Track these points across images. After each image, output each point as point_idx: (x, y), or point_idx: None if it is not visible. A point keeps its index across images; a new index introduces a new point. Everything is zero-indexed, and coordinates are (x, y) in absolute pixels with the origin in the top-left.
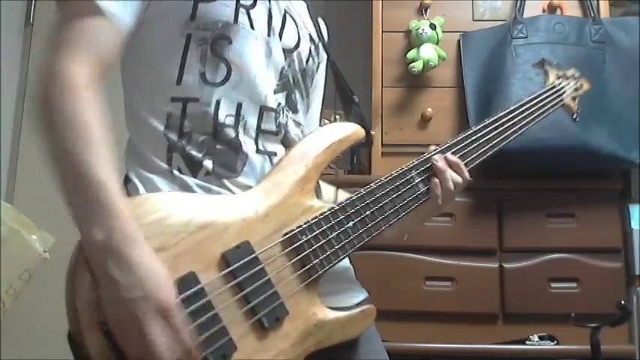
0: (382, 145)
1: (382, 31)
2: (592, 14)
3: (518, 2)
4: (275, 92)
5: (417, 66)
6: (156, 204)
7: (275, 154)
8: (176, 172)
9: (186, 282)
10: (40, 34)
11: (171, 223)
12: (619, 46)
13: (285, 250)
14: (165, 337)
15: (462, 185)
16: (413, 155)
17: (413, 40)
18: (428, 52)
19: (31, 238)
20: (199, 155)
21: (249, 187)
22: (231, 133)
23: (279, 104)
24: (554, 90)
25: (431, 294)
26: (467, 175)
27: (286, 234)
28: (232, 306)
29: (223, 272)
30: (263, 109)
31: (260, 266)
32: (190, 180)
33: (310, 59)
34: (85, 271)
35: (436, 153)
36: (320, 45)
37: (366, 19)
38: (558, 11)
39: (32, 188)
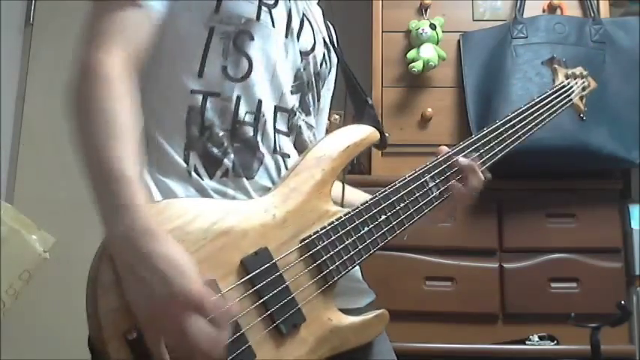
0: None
1: (382, 31)
2: (592, 14)
3: (518, 2)
4: (291, 93)
5: (417, 66)
6: (176, 211)
7: (289, 155)
8: (193, 174)
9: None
10: (40, 34)
11: (191, 231)
12: (619, 46)
13: (302, 257)
14: (201, 331)
15: (480, 186)
16: (413, 155)
17: (413, 40)
18: (428, 52)
19: (31, 238)
20: (218, 153)
21: (265, 188)
22: (249, 131)
23: (294, 106)
24: (564, 89)
25: (431, 294)
26: (482, 176)
27: (303, 240)
28: (251, 313)
29: (242, 280)
30: (278, 109)
31: (278, 273)
32: (206, 183)
33: (324, 63)
34: (107, 276)
35: (449, 154)
36: (332, 50)
37: (366, 19)
38: (558, 11)
39: (32, 188)
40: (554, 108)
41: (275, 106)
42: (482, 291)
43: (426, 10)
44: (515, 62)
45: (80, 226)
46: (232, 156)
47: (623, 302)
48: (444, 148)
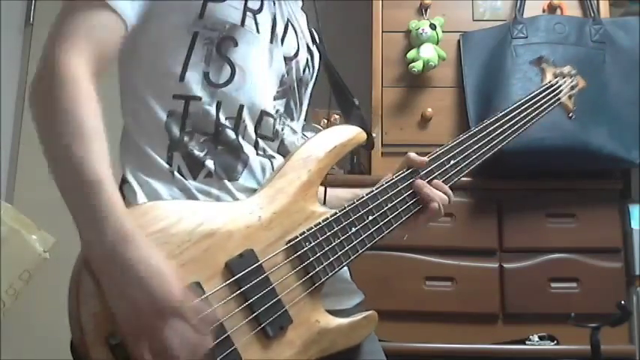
0: (382, 145)
1: (382, 31)
2: (592, 14)
3: (518, 2)
4: (275, 99)
5: (417, 66)
6: (160, 213)
7: (273, 156)
8: (176, 175)
9: (191, 292)
10: (40, 34)
11: (175, 233)
12: (619, 46)
13: (289, 258)
14: (182, 336)
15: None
16: None
17: (413, 40)
18: (428, 52)
19: (31, 238)
20: (201, 155)
21: (250, 190)
22: (231, 134)
23: (278, 111)
24: (551, 89)
25: (431, 294)
26: (450, 192)
27: (289, 241)
28: (237, 315)
29: (227, 282)
30: (262, 114)
31: (264, 275)
32: (190, 183)
33: (307, 69)
34: (89, 281)
35: (438, 154)
36: (314, 55)
37: (366, 19)
38: (558, 11)
39: (32, 188)
40: (542, 108)
41: (260, 111)
42: (482, 291)
43: (426, 10)
44: (515, 62)
45: None
46: (214, 159)
47: (623, 302)
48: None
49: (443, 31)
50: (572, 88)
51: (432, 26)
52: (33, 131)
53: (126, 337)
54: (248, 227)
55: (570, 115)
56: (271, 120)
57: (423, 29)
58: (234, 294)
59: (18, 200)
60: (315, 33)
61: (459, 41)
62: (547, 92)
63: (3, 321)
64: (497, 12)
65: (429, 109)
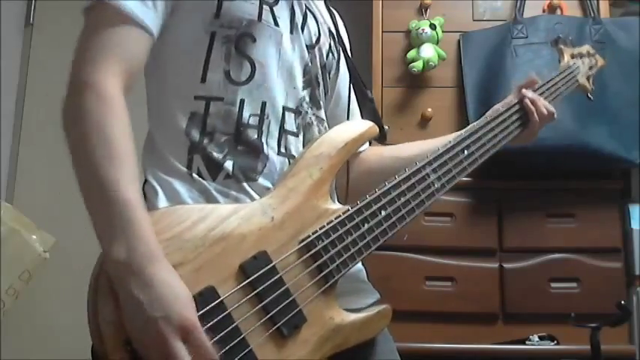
0: (382, 145)
1: (382, 31)
2: (592, 14)
3: (518, 2)
4: (302, 89)
5: (417, 66)
6: (173, 219)
7: (294, 157)
8: (195, 176)
9: (206, 296)
10: (40, 34)
11: (189, 238)
12: (619, 46)
13: (302, 258)
14: (189, 356)
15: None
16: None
17: (413, 40)
18: (428, 52)
19: (31, 238)
20: (220, 156)
21: (268, 189)
22: (253, 134)
23: (304, 101)
24: (569, 71)
25: (431, 294)
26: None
27: (302, 240)
28: (252, 317)
29: (242, 284)
30: (285, 109)
31: (278, 275)
32: (210, 184)
33: (330, 54)
34: (107, 289)
35: (452, 145)
36: (339, 40)
37: (366, 19)
38: (558, 11)
39: (32, 188)
40: (559, 92)
41: (282, 107)
42: (482, 291)
43: (426, 10)
44: (515, 62)
45: (80, 226)
46: (234, 160)
47: (623, 302)
48: (453, 136)
49: (443, 31)
50: (591, 68)
51: (432, 26)
52: (33, 131)
53: (136, 347)
54: (261, 229)
55: (589, 95)
56: (294, 114)
57: (423, 29)
58: (249, 296)
59: (18, 200)
60: (336, 15)
61: (459, 41)
62: (564, 75)
63: (3, 321)
64: (497, 12)
65: (429, 109)
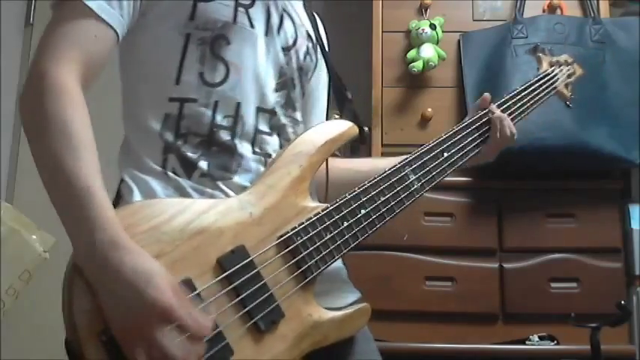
0: (382, 145)
1: (382, 31)
2: (592, 14)
3: (518, 2)
4: (275, 91)
5: (417, 66)
6: (151, 211)
7: (270, 155)
8: (170, 174)
9: (182, 288)
10: (40, 34)
11: (166, 231)
12: (619, 46)
13: (281, 253)
14: (175, 339)
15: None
16: None
17: (413, 40)
18: (428, 52)
19: (31, 238)
20: (194, 156)
21: (244, 188)
22: (226, 135)
23: (277, 103)
24: (547, 77)
25: (431, 294)
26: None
27: (281, 236)
28: (228, 311)
29: (219, 278)
30: (259, 110)
31: (255, 270)
32: (185, 182)
33: (307, 57)
34: (81, 280)
35: (431, 146)
36: (317, 42)
37: (366, 19)
38: (558, 11)
39: (32, 188)
40: (538, 97)
41: (256, 107)
42: (482, 291)
43: (426, 10)
44: (515, 62)
45: None
46: (209, 159)
47: (623, 302)
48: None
49: (443, 31)
50: (570, 76)
51: (432, 26)
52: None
53: (119, 341)
54: (239, 224)
55: (568, 103)
56: (268, 115)
57: (423, 29)
58: (226, 289)
59: (18, 200)
60: (317, 18)
61: (459, 41)
62: (543, 81)
63: (3, 321)
64: (497, 12)
65: (429, 109)
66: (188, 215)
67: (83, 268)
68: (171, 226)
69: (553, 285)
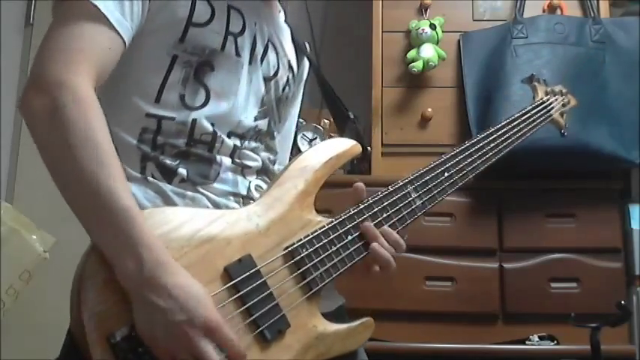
0: (382, 145)
1: (382, 31)
2: (592, 14)
3: (518, 2)
4: (256, 119)
5: (417, 66)
6: (161, 218)
7: (249, 167)
8: (150, 179)
9: None
10: (40, 34)
11: (175, 238)
12: (619, 46)
13: (287, 264)
14: (219, 354)
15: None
16: (413, 155)
17: (413, 40)
18: (428, 52)
19: (31, 238)
20: (173, 164)
21: (225, 192)
22: (204, 149)
23: (257, 130)
24: (543, 106)
25: (431, 294)
26: (402, 243)
27: (287, 248)
28: (235, 318)
29: (226, 286)
30: (233, 136)
31: (262, 279)
32: (165, 186)
33: (287, 87)
34: (92, 282)
35: (436, 173)
36: (296, 73)
37: (366, 19)
38: (558, 11)
39: (32, 188)
40: (533, 124)
41: (232, 133)
42: (482, 291)
43: (426, 10)
44: (515, 62)
45: (80, 226)
46: (187, 167)
47: (623, 302)
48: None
49: (443, 31)
50: (564, 105)
51: (432, 26)
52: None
53: (156, 352)
54: (246, 234)
55: (563, 132)
56: (243, 141)
57: (423, 29)
58: (233, 297)
59: (18, 200)
60: (307, 45)
61: (459, 41)
62: (539, 109)
63: (3, 321)
64: (497, 12)
65: (429, 109)
66: (196, 223)
67: (128, 287)
68: (180, 234)
69: (553, 285)
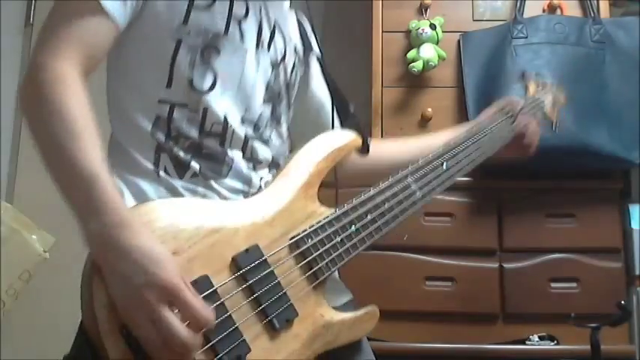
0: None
1: (382, 31)
2: (592, 14)
3: (518, 2)
4: (262, 104)
5: (417, 66)
6: (168, 210)
7: (260, 162)
8: (162, 174)
9: (200, 285)
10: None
11: (183, 228)
12: (619, 46)
13: (293, 254)
14: (180, 318)
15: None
16: None
17: (413, 40)
18: (428, 52)
19: (31, 238)
20: (187, 157)
21: (235, 189)
22: (216, 142)
23: (263, 116)
24: (536, 102)
25: (431, 294)
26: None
27: (292, 238)
28: (244, 308)
29: (234, 275)
30: (245, 121)
31: (269, 269)
32: (176, 182)
33: (294, 72)
34: (101, 274)
35: (431, 159)
36: (303, 57)
37: (366, 19)
38: (558, 11)
39: (32, 188)
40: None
41: (242, 118)
42: (482, 291)
43: (426, 10)
44: (515, 62)
45: None
46: (200, 161)
47: (623, 302)
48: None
49: (443, 31)
50: (555, 103)
51: (432, 26)
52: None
53: (130, 323)
54: (252, 224)
55: (554, 127)
56: (253, 126)
57: (423, 29)
58: (242, 287)
59: (18, 200)
60: (310, 35)
61: (459, 41)
62: (531, 105)
63: (3, 321)
64: (497, 12)
65: (429, 109)
66: (203, 214)
67: (92, 249)
68: (188, 224)
69: (553, 285)
